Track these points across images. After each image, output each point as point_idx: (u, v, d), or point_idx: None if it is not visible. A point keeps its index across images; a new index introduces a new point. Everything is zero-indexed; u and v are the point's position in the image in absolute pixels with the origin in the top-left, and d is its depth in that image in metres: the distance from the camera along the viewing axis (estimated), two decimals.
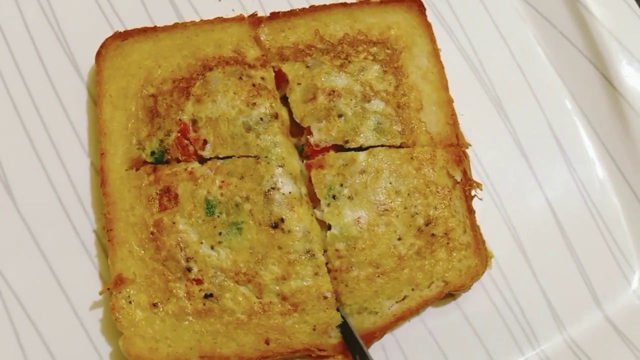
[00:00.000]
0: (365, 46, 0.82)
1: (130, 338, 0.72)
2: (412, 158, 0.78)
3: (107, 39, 0.81)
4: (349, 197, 0.76)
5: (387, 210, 0.76)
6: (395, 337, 0.80)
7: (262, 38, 0.81)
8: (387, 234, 0.76)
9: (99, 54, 0.80)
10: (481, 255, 0.79)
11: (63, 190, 0.79)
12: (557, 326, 0.82)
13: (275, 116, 0.77)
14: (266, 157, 0.75)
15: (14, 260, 0.76)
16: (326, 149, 0.77)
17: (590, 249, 0.85)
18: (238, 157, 0.75)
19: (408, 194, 0.77)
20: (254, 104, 0.77)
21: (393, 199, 0.76)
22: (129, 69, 0.79)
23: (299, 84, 0.79)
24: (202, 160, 0.76)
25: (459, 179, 0.79)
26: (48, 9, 0.84)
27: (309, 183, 0.77)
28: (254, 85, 0.78)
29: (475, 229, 0.80)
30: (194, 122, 0.77)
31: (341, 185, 0.76)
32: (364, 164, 0.77)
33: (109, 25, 0.85)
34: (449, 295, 0.80)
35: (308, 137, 0.78)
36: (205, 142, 0.76)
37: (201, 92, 0.78)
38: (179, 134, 0.76)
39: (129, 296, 0.73)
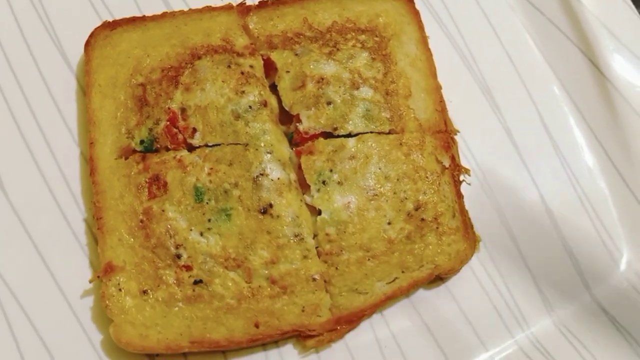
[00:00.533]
0: (353, 34, 0.82)
1: (120, 325, 0.72)
2: (401, 144, 0.78)
3: (96, 29, 0.81)
4: (339, 183, 0.76)
5: (376, 195, 0.76)
6: (385, 319, 0.80)
7: (250, 27, 0.81)
8: (377, 218, 0.76)
9: (87, 44, 0.80)
10: (469, 239, 0.80)
11: (53, 180, 0.79)
12: (546, 309, 0.82)
13: (264, 104, 0.77)
14: (255, 144, 0.75)
15: (4, 250, 0.76)
16: (315, 136, 0.77)
17: (579, 233, 0.85)
18: (227, 145, 0.76)
19: (397, 179, 0.77)
20: (243, 92, 0.77)
21: (382, 184, 0.77)
22: (118, 58, 0.79)
23: (288, 71, 0.79)
24: (191, 148, 0.76)
25: (447, 165, 0.80)
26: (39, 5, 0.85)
27: (299, 170, 0.77)
28: (242, 73, 0.78)
29: (464, 213, 0.80)
30: (183, 110, 0.77)
31: (331, 170, 0.76)
32: (353, 149, 0.77)
33: (97, 16, 0.85)
34: (438, 278, 0.80)
35: (297, 124, 0.78)
36: (194, 130, 0.76)
37: (190, 81, 0.78)
38: (168, 123, 0.76)
39: (118, 284, 0.73)
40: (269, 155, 0.75)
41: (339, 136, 0.78)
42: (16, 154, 0.79)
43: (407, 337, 0.79)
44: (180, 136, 0.76)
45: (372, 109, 0.79)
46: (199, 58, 0.79)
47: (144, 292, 0.73)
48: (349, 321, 0.76)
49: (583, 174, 0.88)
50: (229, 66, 0.78)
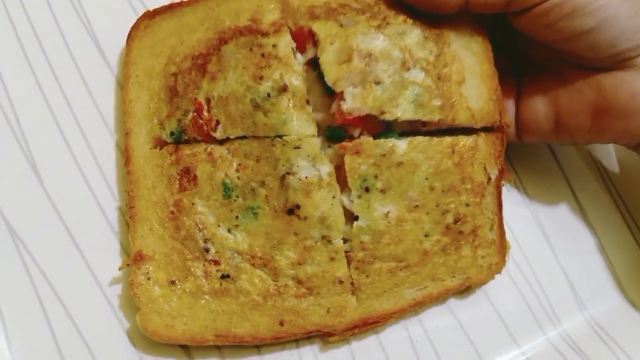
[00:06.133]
0: (404, 8, 0.74)
1: (147, 314, 0.72)
2: (453, 152, 0.73)
3: (138, 19, 0.79)
4: (382, 191, 0.72)
5: (418, 206, 0.73)
6: (418, 317, 0.80)
7: None
8: (415, 230, 0.73)
9: (129, 35, 0.79)
10: (503, 252, 0.78)
11: (88, 169, 0.80)
12: (578, 307, 0.82)
13: (284, 89, 0.71)
14: (281, 138, 0.71)
15: (40, 238, 0.77)
16: (358, 120, 0.71)
17: (612, 231, 0.85)
18: (254, 138, 0.72)
19: (442, 191, 0.73)
20: (261, 77, 0.71)
21: (426, 195, 0.73)
22: (155, 47, 0.78)
23: (332, 44, 0.71)
24: (221, 141, 0.74)
25: (494, 176, 0.76)
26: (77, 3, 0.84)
27: (339, 166, 0.72)
28: (263, 55, 0.71)
29: (501, 225, 0.78)
30: (208, 101, 0.74)
31: (376, 177, 0.71)
32: (402, 155, 0.71)
33: (134, 11, 0.84)
34: (467, 287, 0.79)
35: (340, 103, 0.70)
36: (217, 122, 0.73)
37: (215, 69, 0.74)
38: (195, 114, 0.74)
39: (147, 273, 0.73)
40: (296, 151, 0.71)
41: (385, 132, 0.72)
42: (53, 146, 0.80)
43: (439, 334, 0.80)
44: (205, 128, 0.74)
45: (423, 95, 0.72)
46: (226, 42, 0.74)
47: (172, 282, 0.73)
48: (374, 323, 0.75)
49: (617, 175, 0.86)
50: (251, 49, 0.72)
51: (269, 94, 0.71)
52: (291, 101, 0.71)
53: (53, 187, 0.79)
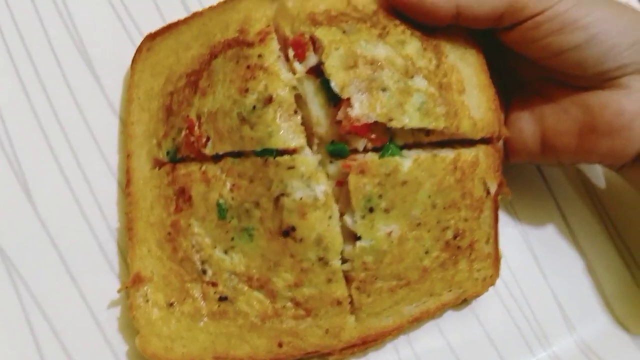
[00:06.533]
0: (401, 20, 0.74)
1: (146, 336, 0.72)
2: (455, 168, 0.72)
3: (141, 42, 0.79)
4: (385, 210, 0.69)
5: (420, 224, 0.71)
6: (409, 338, 0.80)
7: (289, 5, 0.72)
8: (416, 248, 0.72)
9: (133, 59, 0.79)
10: (497, 265, 0.77)
11: (80, 192, 0.79)
12: (567, 328, 0.82)
13: (269, 100, 0.68)
14: (274, 158, 0.68)
15: (32, 261, 0.77)
16: (366, 128, 0.69)
17: (600, 251, 0.85)
18: (247, 157, 0.70)
19: (444, 208, 0.72)
20: (247, 90, 0.68)
21: (428, 212, 0.71)
22: (155, 68, 0.78)
23: (337, 49, 0.69)
24: (215, 160, 0.72)
25: (493, 190, 0.75)
26: (73, 30, 0.83)
27: (340, 177, 0.70)
28: (248, 67, 0.69)
29: (497, 238, 0.77)
30: (199, 117, 0.72)
31: (380, 197, 0.69)
32: (407, 174, 0.70)
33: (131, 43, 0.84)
34: (463, 300, 0.79)
35: (348, 109, 0.68)
36: (208, 138, 0.71)
37: (205, 85, 0.72)
38: (187, 132, 0.73)
39: (146, 294, 0.73)
40: (290, 171, 0.68)
41: (388, 147, 0.70)
42: (44, 165, 0.80)
43: (429, 356, 0.80)
44: (196, 145, 0.72)
45: (427, 102, 0.70)
46: (216, 57, 0.73)
47: (171, 304, 0.73)
48: (373, 341, 0.74)
49: (602, 190, 0.87)
50: (238, 61, 0.70)
51: (254, 107, 0.68)
52: (278, 112, 0.68)
53: (45, 209, 0.78)
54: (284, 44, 0.72)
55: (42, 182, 0.79)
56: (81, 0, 0.83)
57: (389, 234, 0.71)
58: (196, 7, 0.83)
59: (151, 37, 0.80)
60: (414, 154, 0.72)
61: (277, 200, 0.69)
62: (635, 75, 0.72)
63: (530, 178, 0.87)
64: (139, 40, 0.81)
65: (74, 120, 0.81)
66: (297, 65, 0.71)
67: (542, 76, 0.78)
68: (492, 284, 0.78)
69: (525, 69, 0.79)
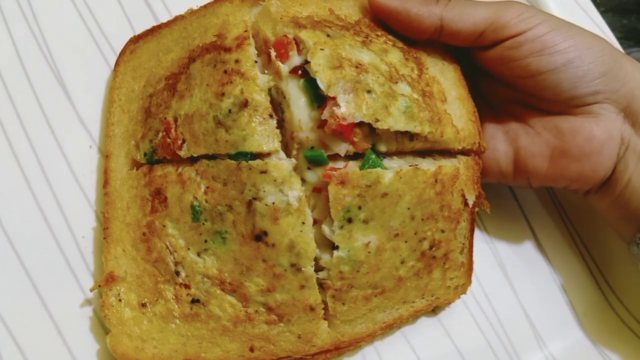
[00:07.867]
0: (383, 31, 0.75)
1: (117, 336, 0.72)
2: (436, 181, 0.72)
3: (124, 45, 0.80)
4: (364, 221, 0.69)
5: (397, 235, 0.71)
6: (378, 352, 0.80)
7: (272, 9, 0.72)
8: (392, 258, 0.72)
9: (116, 62, 0.79)
10: (470, 274, 0.78)
11: (46, 203, 0.79)
12: (537, 344, 0.83)
13: (245, 104, 0.68)
14: (247, 162, 0.68)
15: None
16: (350, 128, 0.68)
17: (570, 269, 0.85)
18: (221, 160, 0.70)
19: (422, 219, 0.72)
20: (223, 94, 0.69)
21: (407, 224, 0.71)
22: (137, 71, 0.78)
23: (322, 49, 0.69)
24: (191, 162, 0.72)
25: (471, 203, 0.75)
26: (45, 48, 0.83)
27: (318, 185, 0.70)
28: (225, 72, 0.70)
29: (471, 248, 0.77)
30: (175, 120, 0.72)
31: (359, 208, 0.69)
32: (388, 186, 0.69)
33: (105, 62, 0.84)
34: (435, 307, 0.79)
35: (334, 108, 0.67)
36: (183, 141, 0.71)
37: (183, 88, 0.73)
38: (164, 134, 0.73)
39: (119, 294, 0.73)
40: (262, 176, 0.67)
41: (370, 155, 0.70)
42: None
43: None
44: (172, 147, 0.72)
45: (412, 106, 0.71)
46: (194, 61, 0.73)
47: (143, 304, 0.73)
48: (346, 347, 0.74)
49: (572, 208, 0.88)
50: (215, 66, 0.71)
51: (230, 110, 0.68)
52: (253, 116, 0.68)
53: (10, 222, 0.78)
54: (265, 46, 0.72)
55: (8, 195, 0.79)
56: (50, 13, 0.84)
57: (367, 244, 0.71)
58: (165, 18, 0.84)
59: (134, 40, 0.80)
60: (395, 164, 0.72)
61: (249, 204, 0.69)
62: (605, 104, 0.73)
63: (502, 196, 0.87)
64: (108, 51, 0.82)
65: (41, 134, 0.81)
66: (280, 65, 0.71)
67: (515, 100, 0.78)
68: (464, 292, 0.79)
69: (496, 93, 0.80)
